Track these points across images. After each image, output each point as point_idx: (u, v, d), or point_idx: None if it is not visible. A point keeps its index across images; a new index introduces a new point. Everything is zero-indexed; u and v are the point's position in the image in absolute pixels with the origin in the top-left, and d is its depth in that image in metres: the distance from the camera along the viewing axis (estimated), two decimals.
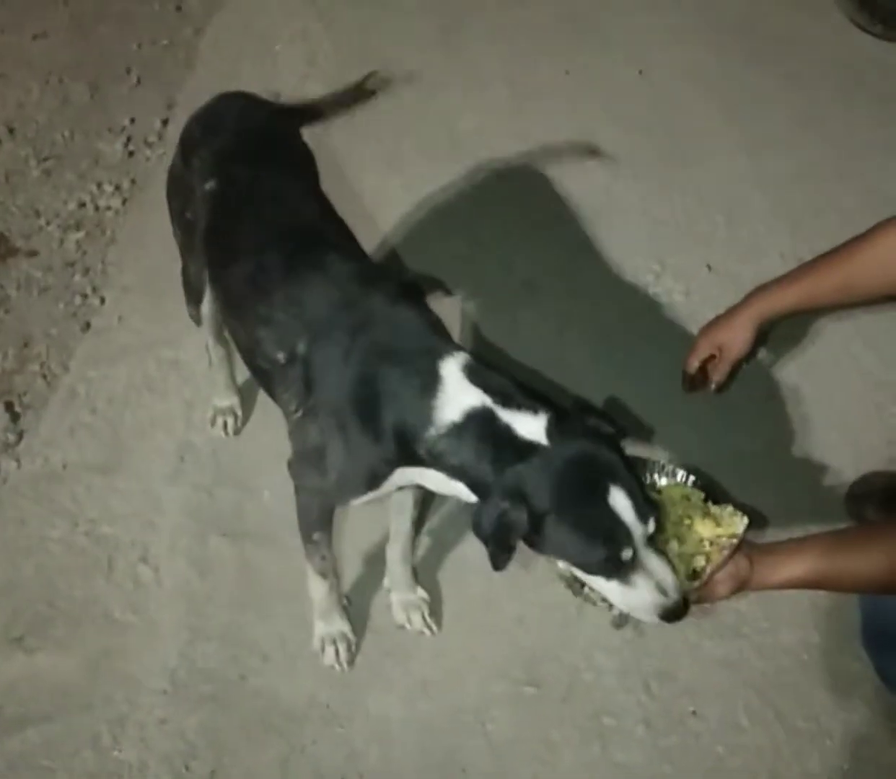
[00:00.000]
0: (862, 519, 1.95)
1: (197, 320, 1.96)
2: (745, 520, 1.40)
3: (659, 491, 1.46)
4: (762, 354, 2.21)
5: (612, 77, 2.83)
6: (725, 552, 1.36)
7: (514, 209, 2.50)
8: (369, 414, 1.36)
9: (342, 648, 1.73)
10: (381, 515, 1.79)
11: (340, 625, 1.75)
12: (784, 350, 2.24)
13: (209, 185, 1.64)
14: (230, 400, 2.05)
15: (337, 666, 1.74)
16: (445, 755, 1.68)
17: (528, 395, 1.32)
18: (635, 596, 1.26)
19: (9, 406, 2.11)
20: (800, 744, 1.70)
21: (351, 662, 1.75)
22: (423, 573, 1.86)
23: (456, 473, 1.32)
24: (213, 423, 2.06)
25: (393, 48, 2.92)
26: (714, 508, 1.43)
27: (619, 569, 1.25)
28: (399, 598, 1.80)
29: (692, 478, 1.46)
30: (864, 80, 2.85)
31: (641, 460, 1.49)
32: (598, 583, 1.28)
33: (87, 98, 2.78)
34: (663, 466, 1.48)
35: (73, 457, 2.03)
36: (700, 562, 1.36)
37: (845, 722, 1.72)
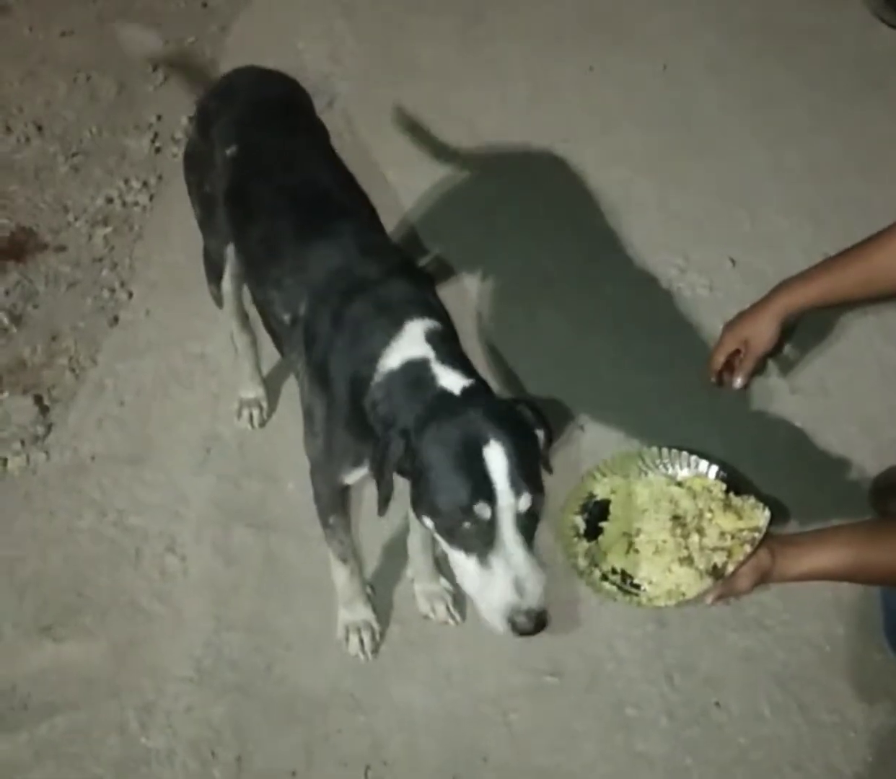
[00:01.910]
0: (885, 512, 1.94)
1: (218, 300, 1.97)
2: (767, 513, 1.40)
3: (680, 483, 1.47)
4: (786, 347, 2.21)
5: (634, 73, 2.83)
6: (747, 547, 1.35)
7: (535, 203, 2.51)
8: (342, 375, 1.40)
9: (366, 637, 1.75)
10: (403, 505, 1.80)
11: (364, 613, 1.77)
12: (808, 344, 2.24)
13: (230, 150, 1.68)
14: (256, 392, 2.07)
15: (361, 655, 1.76)
16: (468, 744, 1.69)
17: (471, 366, 1.34)
18: (489, 586, 1.20)
19: (38, 399, 2.14)
20: (822, 736, 1.70)
21: (375, 651, 1.77)
22: (446, 564, 1.86)
23: (381, 425, 1.32)
24: (239, 415, 2.08)
25: (416, 45, 2.93)
26: (736, 501, 1.43)
27: (476, 540, 1.19)
28: (422, 588, 1.82)
29: (715, 469, 1.47)
30: (886, 73, 2.83)
31: (664, 451, 1.50)
32: (459, 558, 1.23)
33: (114, 95, 2.81)
34: (687, 458, 1.49)
35: (101, 449, 2.06)
36: (720, 558, 1.36)
37: (868, 714, 1.72)
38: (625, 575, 1.39)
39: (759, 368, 1.87)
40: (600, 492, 1.46)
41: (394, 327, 1.36)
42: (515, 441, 1.23)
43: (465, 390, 1.28)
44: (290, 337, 1.52)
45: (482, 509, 1.19)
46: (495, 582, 1.20)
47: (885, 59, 2.89)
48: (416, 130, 2.67)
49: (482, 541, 1.20)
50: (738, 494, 1.44)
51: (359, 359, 1.37)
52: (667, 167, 2.60)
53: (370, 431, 1.36)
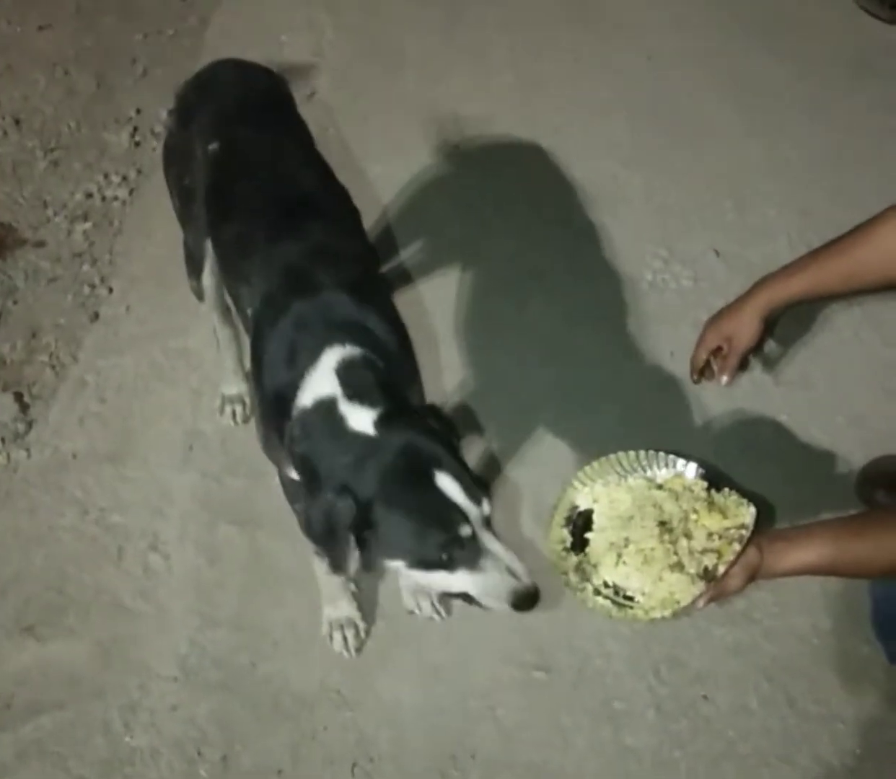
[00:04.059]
0: (872, 503, 1.94)
1: (199, 294, 1.95)
2: (752, 509, 1.38)
3: (660, 486, 1.44)
4: (770, 342, 2.20)
5: (619, 64, 2.81)
6: (736, 546, 1.33)
7: (521, 195, 2.49)
8: (271, 387, 1.42)
9: (350, 634, 1.74)
10: None
11: (348, 610, 1.76)
12: (793, 337, 2.23)
13: (212, 146, 1.67)
14: (238, 388, 2.06)
15: (345, 652, 1.75)
16: (456, 740, 1.68)
17: (380, 392, 1.34)
18: (488, 580, 1.26)
19: (18, 397, 2.12)
20: (810, 728, 1.70)
21: (359, 648, 1.76)
22: None
23: (299, 465, 1.35)
24: (221, 411, 2.06)
25: (399, 36, 2.91)
26: (719, 498, 1.41)
27: (462, 556, 1.24)
28: (408, 584, 1.80)
29: (694, 466, 1.45)
30: (873, 65, 2.82)
31: (640, 453, 1.48)
32: (445, 580, 1.27)
33: (93, 89, 2.78)
34: (664, 457, 1.47)
35: (83, 445, 2.04)
36: (710, 560, 1.34)
37: (856, 706, 1.72)
38: (617, 588, 1.36)
39: (743, 365, 1.85)
40: (582, 502, 1.44)
41: (312, 357, 1.38)
42: (449, 457, 1.27)
43: (378, 424, 1.29)
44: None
45: (463, 530, 1.24)
46: (492, 577, 1.26)
47: (870, 49, 2.88)
48: (399, 123, 2.65)
49: (467, 554, 1.25)
50: (719, 490, 1.43)
51: (283, 379, 1.39)
52: (653, 159, 2.58)
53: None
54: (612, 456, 1.49)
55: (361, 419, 1.30)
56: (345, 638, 1.74)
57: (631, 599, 1.36)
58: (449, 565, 1.25)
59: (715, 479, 1.43)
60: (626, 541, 1.38)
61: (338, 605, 1.74)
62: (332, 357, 1.37)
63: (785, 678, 1.75)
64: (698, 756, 1.66)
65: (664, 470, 1.46)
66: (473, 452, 2.00)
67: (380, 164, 2.54)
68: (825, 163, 2.57)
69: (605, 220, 2.44)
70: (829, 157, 2.58)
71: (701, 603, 1.34)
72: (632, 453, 1.47)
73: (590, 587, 1.38)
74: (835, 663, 1.76)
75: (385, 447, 1.27)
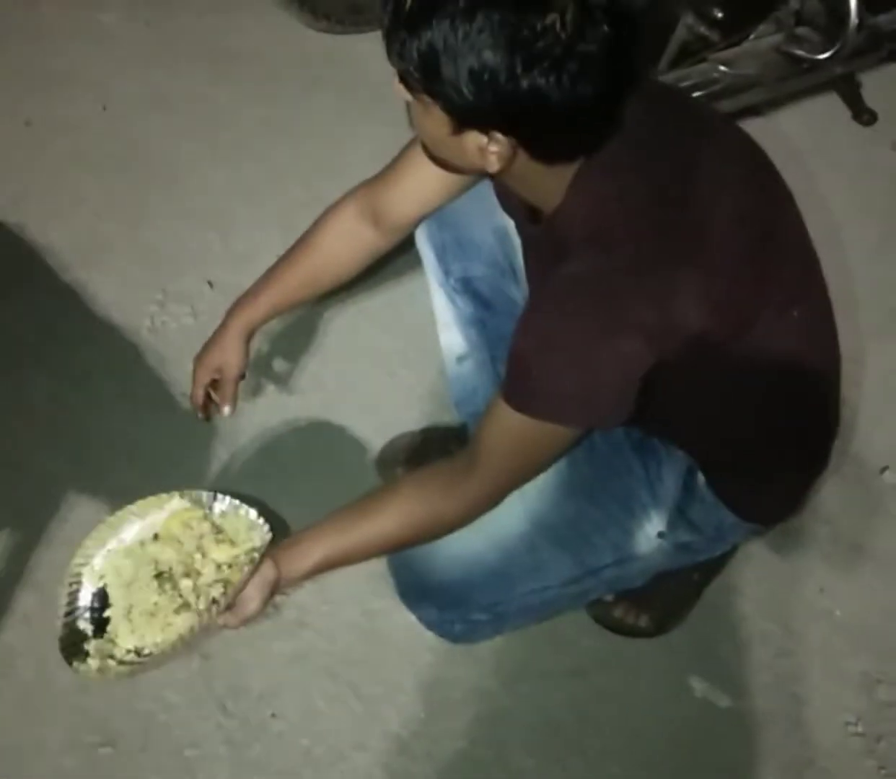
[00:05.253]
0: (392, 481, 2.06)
1: None
2: (266, 528, 1.42)
3: (156, 535, 1.44)
4: (277, 359, 2.28)
5: (75, 118, 2.78)
6: (246, 569, 1.37)
7: None
8: None
9: None
10: None
11: None
12: (301, 348, 2.32)
13: None
14: None
15: None
16: None
17: None
18: None
19: None
20: (376, 708, 1.78)
21: None
22: None
23: None
24: None
25: None
26: (227, 526, 1.44)
27: None
28: None
29: (176, 497, 1.46)
30: (321, 75, 2.99)
31: (134, 506, 1.46)
32: None
33: None
34: (156, 500, 1.46)
35: None
36: (217, 591, 1.37)
37: (414, 672, 1.82)
38: (139, 649, 1.36)
39: (239, 391, 1.90)
40: (91, 582, 1.40)
41: None
42: None
43: None
44: None
45: None
46: None
47: (317, 60, 3.04)
48: None
49: None
50: (235, 513, 1.45)
51: None
52: (129, 205, 2.58)
53: None
54: (109, 518, 1.47)
55: None
56: None
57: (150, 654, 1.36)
58: None
59: (230, 503, 1.44)
60: (130, 608, 1.38)
61: None
62: None
63: (346, 670, 1.82)
64: (278, 774, 1.70)
65: (162, 513, 1.46)
66: None
67: None
68: (293, 176, 2.68)
69: (94, 276, 2.42)
70: (297, 169, 2.70)
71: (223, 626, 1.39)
72: (127, 508, 1.46)
73: (112, 663, 1.36)
74: (388, 639, 1.86)
75: None
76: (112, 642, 1.37)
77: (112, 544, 1.43)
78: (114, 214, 2.55)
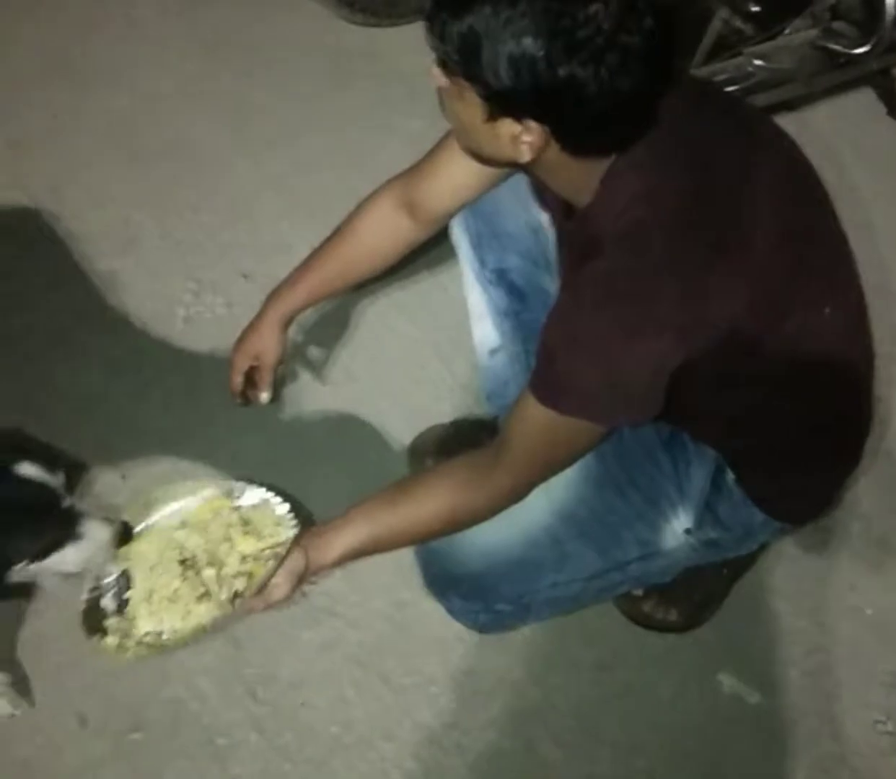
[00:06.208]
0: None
1: None
2: (293, 524, 1.42)
3: (183, 523, 1.45)
4: (312, 348, 2.29)
5: (106, 110, 2.79)
6: (271, 563, 1.37)
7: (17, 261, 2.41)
8: None
9: None
10: None
11: None
12: (333, 338, 2.33)
13: None
14: None
15: None
16: None
17: None
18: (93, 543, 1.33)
19: None
20: (407, 699, 1.79)
21: None
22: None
23: None
24: None
25: None
26: (256, 519, 1.44)
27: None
28: None
29: (241, 485, 1.47)
30: (355, 68, 2.99)
31: (177, 488, 1.48)
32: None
33: None
34: (193, 487, 1.48)
35: None
36: (241, 584, 1.38)
37: (444, 663, 1.82)
38: (157, 633, 1.38)
39: (278, 378, 1.92)
40: (117, 563, 1.42)
41: None
42: None
43: None
44: None
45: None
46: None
47: (351, 53, 3.04)
48: None
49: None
50: (270, 506, 1.46)
51: None
52: (162, 196, 2.60)
53: None
54: (140, 500, 1.48)
55: None
56: None
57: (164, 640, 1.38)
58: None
59: (262, 495, 1.46)
60: (151, 592, 1.40)
61: None
62: None
63: (376, 660, 1.83)
64: (308, 762, 1.71)
65: (197, 500, 1.47)
66: None
67: None
68: (321, 166, 2.68)
69: (128, 267, 2.43)
70: (325, 160, 2.70)
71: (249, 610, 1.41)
72: (167, 488, 1.48)
73: (131, 642, 1.38)
74: (418, 631, 1.86)
75: None
76: (131, 622, 1.39)
77: (140, 527, 1.45)
78: (147, 205, 2.56)
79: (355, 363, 2.30)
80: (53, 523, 1.29)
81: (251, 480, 1.51)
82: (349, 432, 2.17)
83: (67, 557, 1.31)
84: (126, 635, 1.39)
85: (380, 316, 2.39)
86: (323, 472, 2.06)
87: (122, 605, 1.41)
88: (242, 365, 1.88)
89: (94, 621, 1.40)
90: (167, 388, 2.21)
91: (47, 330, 2.29)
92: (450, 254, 1.95)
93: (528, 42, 1.11)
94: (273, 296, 1.89)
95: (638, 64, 1.14)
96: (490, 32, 1.13)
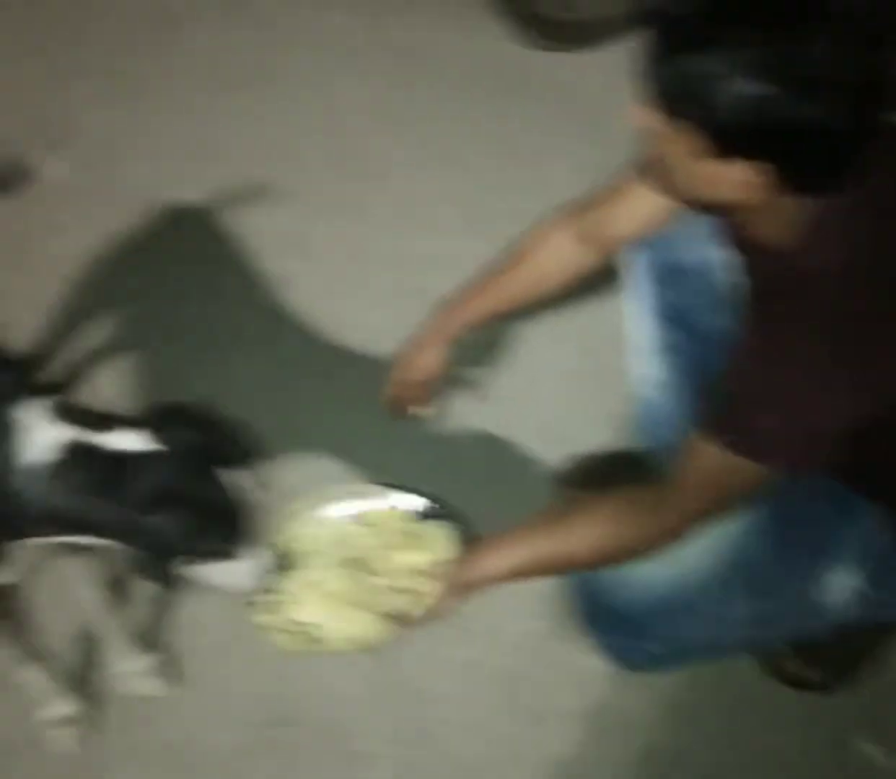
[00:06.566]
0: (571, 501, 2.05)
1: None
2: (459, 542, 1.43)
3: (359, 519, 1.47)
4: (471, 364, 2.31)
5: (295, 115, 2.90)
6: (436, 583, 1.38)
7: (199, 249, 2.52)
8: None
9: (68, 730, 1.70)
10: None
11: (62, 708, 1.71)
12: (491, 357, 2.36)
13: None
14: None
15: (66, 749, 1.71)
16: None
17: (119, 419, 1.31)
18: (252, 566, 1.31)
19: None
20: (538, 726, 1.78)
21: (80, 741, 1.72)
22: (151, 633, 1.85)
23: (75, 524, 1.27)
24: None
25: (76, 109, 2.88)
26: (423, 532, 1.45)
27: None
28: (123, 669, 1.78)
29: (411, 497, 1.47)
30: (534, 92, 3.00)
31: (355, 488, 1.50)
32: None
33: None
34: (376, 490, 1.48)
35: None
36: (404, 600, 1.38)
37: (581, 695, 1.81)
38: (305, 625, 1.38)
39: (440, 392, 1.93)
40: (282, 542, 1.43)
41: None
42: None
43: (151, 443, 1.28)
44: None
45: None
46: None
47: (535, 77, 3.04)
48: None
49: None
50: (433, 522, 1.45)
51: None
52: (330, 205, 2.68)
53: None
54: (321, 492, 1.50)
55: (130, 442, 1.26)
56: (63, 735, 1.69)
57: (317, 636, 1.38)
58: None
59: (436, 511, 1.46)
60: (313, 580, 1.40)
61: (52, 704, 1.70)
62: (31, 408, 1.29)
63: (515, 685, 1.83)
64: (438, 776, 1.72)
65: (374, 502, 1.47)
66: None
67: None
68: (492, 188, 2.72)
69: (298, 267, 2.50)
70: (494, 181, 2.74)
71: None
72: (345, 486, 1.50)
73: (276, 625, 1.38)
74: (559, 660, 1.85)
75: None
76: (280, 603, 1.39)
77: (311, 514, 1.45)
78: (320, 211, 2.65)
79: (511, 386, 2.32)
80: (236, 539, 1.28)
81: (426, 494, 1.51)
82: (496, 454, 2.19)
83: (224, 569, 1.30)
84: (273, 613, 1.39)
85: (539, 341, 2.40)
86: (467, 490, 2.04)
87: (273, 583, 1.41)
88: (404, 378, 1.88)
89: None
90: (338, 397, 2.26)
91: (228, 322, 2.40)
92: (611, 283, 1.94)
93: (764, 82, 1.11)
94: (442, 312, 1.87)
95: (862, 101, 1.12)
96: (723, 73, 1.13)
